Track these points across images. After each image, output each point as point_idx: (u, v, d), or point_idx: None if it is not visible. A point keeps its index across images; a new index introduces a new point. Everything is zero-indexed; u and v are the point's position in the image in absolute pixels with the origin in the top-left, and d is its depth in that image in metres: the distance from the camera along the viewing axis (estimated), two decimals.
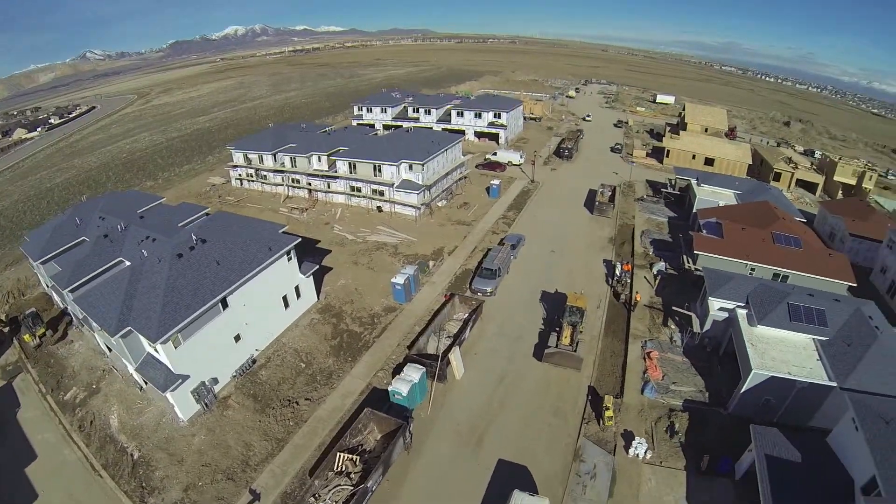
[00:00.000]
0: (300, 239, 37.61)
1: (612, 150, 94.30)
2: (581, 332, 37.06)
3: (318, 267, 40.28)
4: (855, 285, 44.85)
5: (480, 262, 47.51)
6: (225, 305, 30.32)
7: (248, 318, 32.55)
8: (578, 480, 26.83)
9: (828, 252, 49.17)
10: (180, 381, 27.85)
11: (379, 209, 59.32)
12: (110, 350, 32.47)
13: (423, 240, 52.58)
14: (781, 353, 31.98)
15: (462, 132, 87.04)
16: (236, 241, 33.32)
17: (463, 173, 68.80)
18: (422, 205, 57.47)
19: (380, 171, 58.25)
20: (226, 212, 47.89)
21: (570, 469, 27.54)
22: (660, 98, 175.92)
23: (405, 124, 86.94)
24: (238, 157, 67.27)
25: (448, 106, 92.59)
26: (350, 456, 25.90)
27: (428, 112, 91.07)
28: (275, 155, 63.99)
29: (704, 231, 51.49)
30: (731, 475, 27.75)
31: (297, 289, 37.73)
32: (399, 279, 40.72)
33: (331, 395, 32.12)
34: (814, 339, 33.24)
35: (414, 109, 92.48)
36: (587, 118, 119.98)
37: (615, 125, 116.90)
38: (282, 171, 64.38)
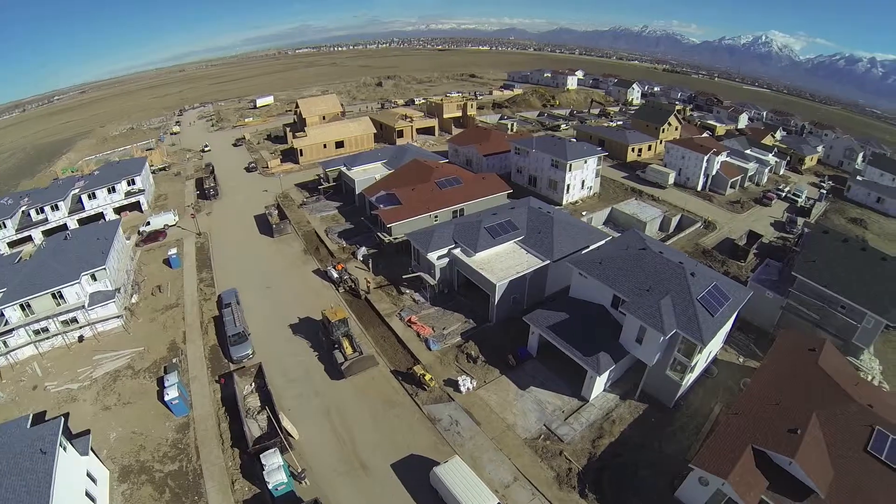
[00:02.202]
0: (63, 418, 30.12)
1: (248, 170, 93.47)
2: (354, 337, 41.73)
3: (89, 435, 32.91)
4: (512, 191, 63.10)
5: (217, 333, 46.02)
6: None
7: None
8: (450, 432, 33.60)
9: (481, 176, 65.77)
10: None
11: (80, 339, 48.74)
12: None
13: (149, 344, 46.14)
14: (502, 262, 44.87)
15: (102, 215, 75.39)
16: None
17: (134, 258, 61.80)
18: (124, 309, 50.47)
19: (62, 296, 47.72)
20: None
21: (438, 430, 33.93)
22: (260, 102, 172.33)
23: (34, 233, 70.44)
24: None
25: (74, 191, 77.42)
26: None
27: (55, 208, 74.45)
28: None
29: (381, 206, 58.57)
30: (531, 356, 39.45)
31: (88, 474, 30.58)
32: (172, 393, 36.75)
33: None
34: (515, 241, 47.36)
35: (37, 211, 74.11)
36: (206, 149, 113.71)
37: (234, 145, 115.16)
38: None
